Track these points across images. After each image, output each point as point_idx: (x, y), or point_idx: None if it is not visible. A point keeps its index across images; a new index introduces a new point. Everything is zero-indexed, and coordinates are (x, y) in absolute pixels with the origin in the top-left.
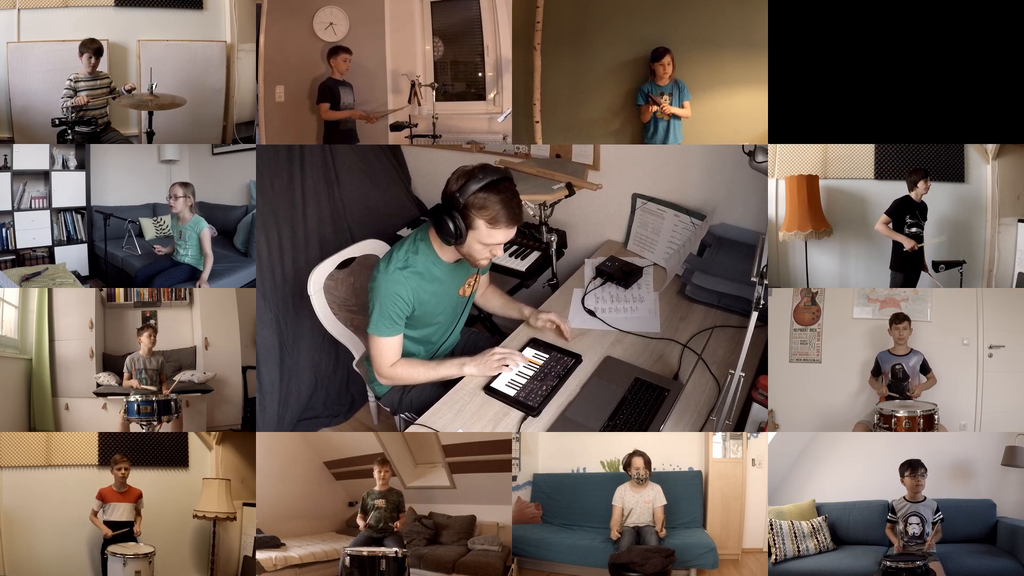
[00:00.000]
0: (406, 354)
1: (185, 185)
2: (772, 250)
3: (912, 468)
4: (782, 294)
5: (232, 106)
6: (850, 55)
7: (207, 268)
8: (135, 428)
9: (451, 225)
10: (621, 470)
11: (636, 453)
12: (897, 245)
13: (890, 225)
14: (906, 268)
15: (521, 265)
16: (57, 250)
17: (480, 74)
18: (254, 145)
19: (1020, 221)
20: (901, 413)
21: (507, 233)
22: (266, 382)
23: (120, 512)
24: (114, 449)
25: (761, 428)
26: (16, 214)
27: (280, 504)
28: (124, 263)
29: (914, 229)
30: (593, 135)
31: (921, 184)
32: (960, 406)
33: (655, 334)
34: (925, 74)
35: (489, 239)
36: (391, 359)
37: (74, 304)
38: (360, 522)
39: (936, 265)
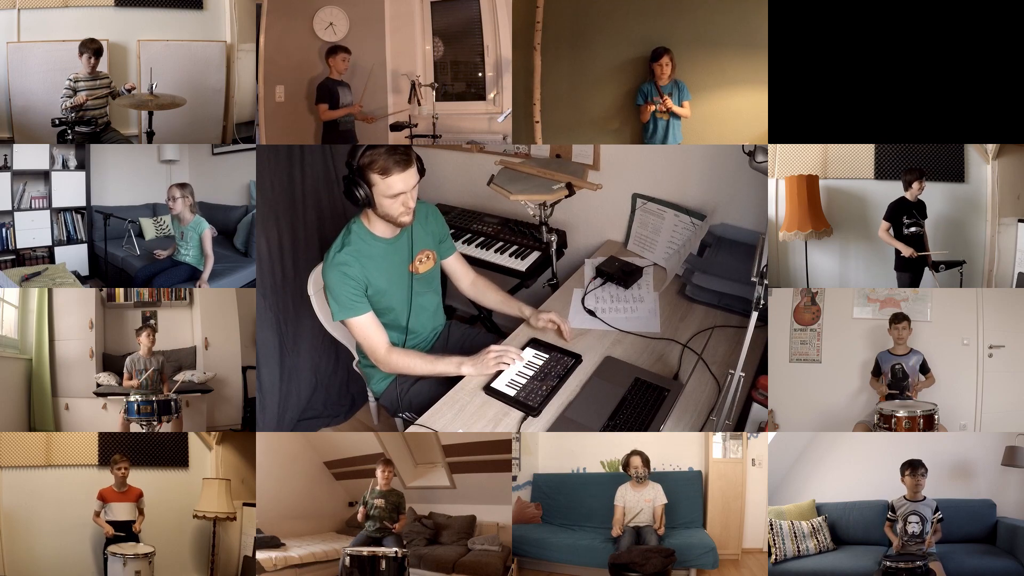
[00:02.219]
0: None
1: (183, 186)
2: (772, 250)
3: (912, 467)
4: (782, 294)
5: (232, 106)
6: (850, 55)
7: (207, 268)
8: (135, 428)
9: (356, 191)
10: (620, 470)
11: (634, 452)
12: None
13: (890, 231)
14: (911, 268)
15: (521, 265)
16: (57, 250)
17: (480, 74)
18: (254, 145)
19: (1020, 221)
20: (901, 413)
21: (404, 179)
22: (266, 382)
23: (121, 512)
24: (114, 449)
25: (761, 428)
26: (16, 214)
27: (280, 504)
28: (124, 263)
29: (913, 229)
30: (593, 135)
31: (916, 184)
32: (960, 406)
33: (655, 334)
34: (925, 74)
35: (390, 190)
36: (378, 341)
37: (74, 304)
38: (360, 516)
39: (936, 265)
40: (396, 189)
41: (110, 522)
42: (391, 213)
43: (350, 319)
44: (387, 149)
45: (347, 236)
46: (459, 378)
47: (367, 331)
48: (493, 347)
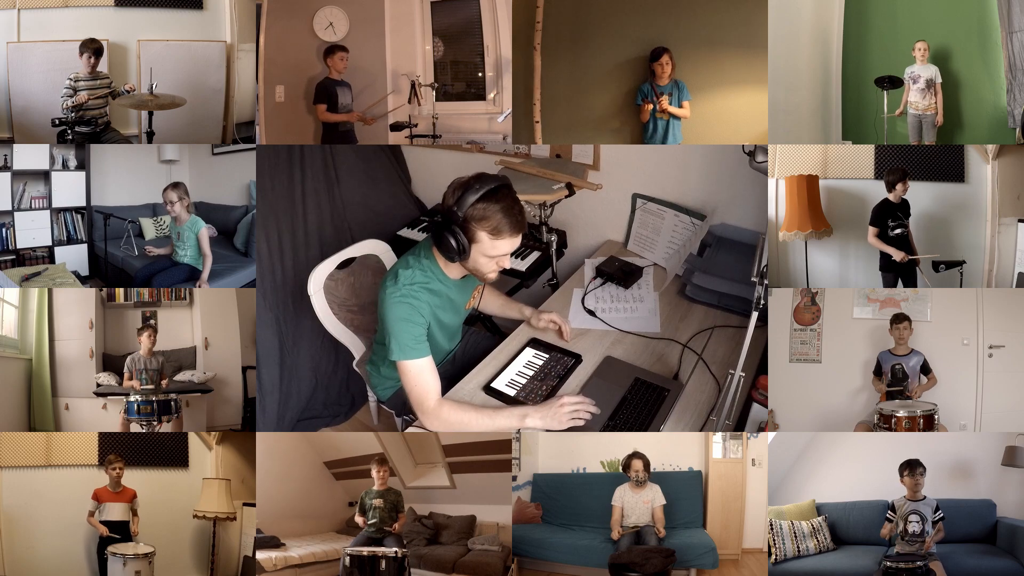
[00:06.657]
0: None
1: (176, 186)
2: (772, 250)
3: (911, 467)
4: (782, 294)
5: (232, 106)
6: None
7: (206, 268)
8: (135, 428)
9: (453, 241)
10: (621, 471)
11: (635, 455)
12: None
13: (878, 235)
14: (895, 268)
15: (521, 265)
16: (57, 250)
17: (480, 74)
18: (254, 145)
19: (1020, 221)
20: (901, 413)
21: (512, 243)
22: (266, 382)
23: (115, 512)
24: (114, 449)
25: (761, 428)
26: (16, 214)
27: (280, 504)
28: (124, 263)
29: (897, 231)
30: (593, 135)
31: (899, 185)
32: (960, 406)
33: (655, 334)
34: None
35: (494, 251)
36: (431, 389)
37: (74, 304)
38: (359, 522)
39: (936, 265)
40: (500, 252)
41: (105, 522)
42: (480, 270)
43: (407, 361)
44: (503, 207)
45: (420, 272)
46: (459, 379)
47: (422, 377)
48: (566, 398)
